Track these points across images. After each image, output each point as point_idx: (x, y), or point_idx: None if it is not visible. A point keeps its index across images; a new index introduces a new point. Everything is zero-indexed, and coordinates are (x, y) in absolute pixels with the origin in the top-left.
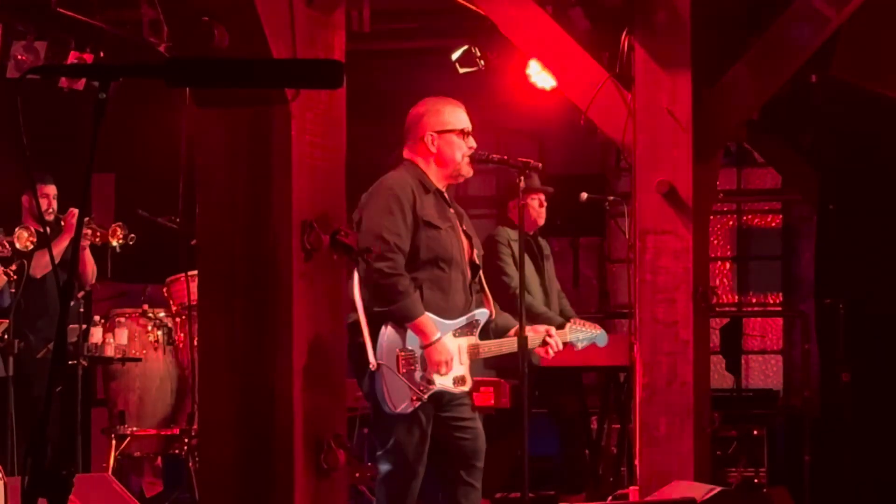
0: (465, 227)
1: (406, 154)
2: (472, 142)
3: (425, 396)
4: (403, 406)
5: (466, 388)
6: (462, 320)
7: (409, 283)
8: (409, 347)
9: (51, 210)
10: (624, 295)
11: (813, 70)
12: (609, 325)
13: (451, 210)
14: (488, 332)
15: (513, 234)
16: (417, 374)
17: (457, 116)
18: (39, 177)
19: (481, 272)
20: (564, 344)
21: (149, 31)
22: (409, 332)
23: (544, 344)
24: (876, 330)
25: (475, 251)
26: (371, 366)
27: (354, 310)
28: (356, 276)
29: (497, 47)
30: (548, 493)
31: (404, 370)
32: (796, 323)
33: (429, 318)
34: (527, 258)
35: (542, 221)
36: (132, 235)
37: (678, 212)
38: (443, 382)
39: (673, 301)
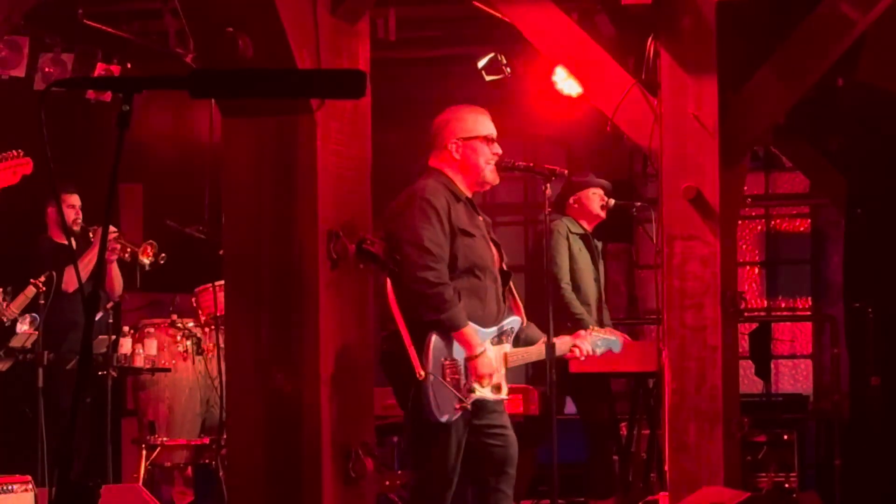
0: (492, 236)
1: (432, 162)
2: (497, 148)
3: (468, 405)
4: (448, 415)
5: (503, 395)
6: (496, 329)
7: (453, 292)
8: (454, 357)
9: (77, 220)
10: (652, 300)
11: (839, 73)
12: (638, 331)
13: (480, 218)
14: (518, 341)
15: (573, 227)
16: (461, 383)
17: (481, 123)
18: (62, 187)
19: (511, 281)
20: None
21: (175, 42)
22: (454, 341)
23: (571, 349)
24: None
25: (503, 259)
26: (419, 375)
27: (390, 320)
28: (389, 285)
29: (523, 54)
30: (577, 500)
31: (449, 379)
32: (826, 327)
33: (472, 329)
34: (585, 252)
35: (604, 215)
36: (163, 255)
37: (705, 217)
38: (482, 391)
39: (701, 306)
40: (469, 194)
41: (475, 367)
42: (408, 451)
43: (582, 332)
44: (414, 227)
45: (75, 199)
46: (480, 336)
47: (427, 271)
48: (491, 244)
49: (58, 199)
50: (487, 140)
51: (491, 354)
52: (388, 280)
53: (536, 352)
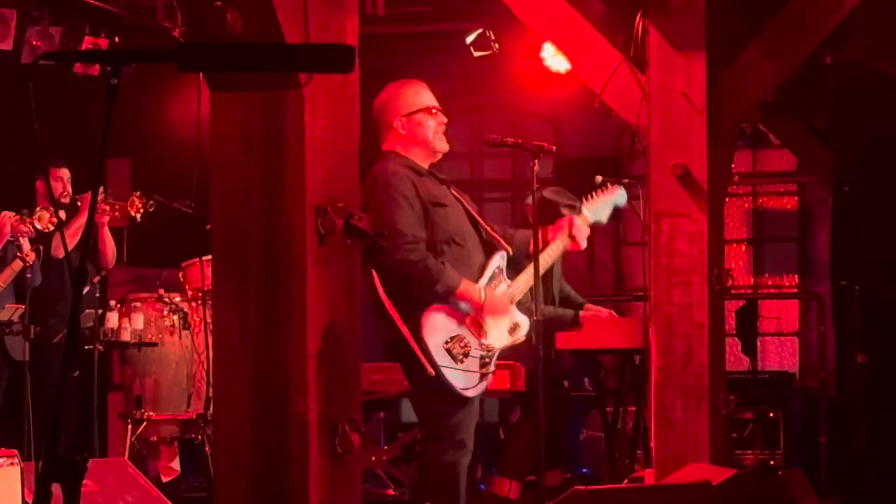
0: (454, 192)
1: (384, 146)
2: (442, 117)
3: (492, 367)
4: (475, 388)
5: (523, 333)
6: (488, 273)
7: (436, 260)
8: (455, 332)
9: (66, 193)
10: (639, 278)
11: (828, 51)
12: (624, 308)
13: (444, 186)
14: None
15: None
16: (476, 351)
17: (420, 95)
18: (52, 161)
19: (484, 224)
20: (591, 225)
21: (163, 15)
22: (445, 320)
23: (572, 239)
24: (892, 312)
25: (469, 206)
26: (429, 374)
27: (387, 313)
28: (377, 280)
29: (511, 30)
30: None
31: (460, 355)
32: (812, 305)
33: (466, 282)
34: None
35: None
36: (151, 202)
37: (693, 194)
38: (500, 339)
39: (688, 284)
40: (426, 167)
41: (488, 313)
42: (423, 424)
43: (574, 218)
44: (384, 215)
45: (64, 172)
46: (476, 288)
47: (405, 253)
48: (459, 205)
49: (46, 172)
50: (429, 111)
51: (495, 294)
52: (375, 273)
53: (528, 276)
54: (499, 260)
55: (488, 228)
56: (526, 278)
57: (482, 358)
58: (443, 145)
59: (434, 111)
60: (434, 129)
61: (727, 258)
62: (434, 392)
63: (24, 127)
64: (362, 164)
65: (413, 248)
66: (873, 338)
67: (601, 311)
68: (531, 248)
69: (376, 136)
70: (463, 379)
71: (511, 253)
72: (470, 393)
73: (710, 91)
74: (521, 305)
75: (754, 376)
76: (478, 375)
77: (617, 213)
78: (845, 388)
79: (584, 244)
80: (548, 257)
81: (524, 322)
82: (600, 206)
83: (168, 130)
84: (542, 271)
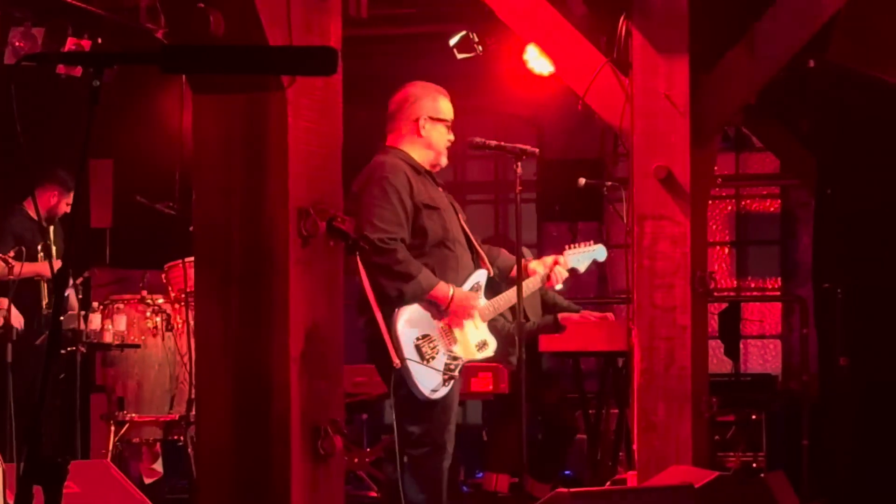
0: (451, 200)
1: (391, 140)
2: (451, 135)
3: (457, 374)
4: (437, 390)
5: (490, 351)
6: (468, 284)
7: (416, 260)
8: (426, 332)
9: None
10: (622, 280)
11: (811, 55)
12: (607, 311)
13: (440, 189)
14: (492, 285)
15: None
16: (442, 356)
17: (446, 107)
18: (67, 183)
19: (473, 238)
20: (569, 271)
21: (146, 17)
22: (421, 318)
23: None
24: (874, 314)
25: (463, 219)
26: (395, 364)
27: (368, 305)
28: (362, 269)
29: (495, 33)
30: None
31: (428, 356)
32: (795, 307)
33: (443, 283)
34: None
35: None
36: None
37: (676, 197)
38: (468, 352)
39: (671, 286)
40: (427, 167)
41: (456, 312)
42: (399, 430)
43: (559, 257)
44: (370, 206)
45: (71, 198)
46: (446, 286)
47: (383, 248)
48: (452, 210)
49: (33, 193)
50: (448, 125)
51: (464, 293)
52: (361, 264)
53: (506, 299)
54: (480, 276)
55: (476, 244)
56: (502, 301)
57: (447, 365)
58: (445, 160)
59: (451, 127)
60: (447, 143)
61: (710, 261)
62: (408, 397)
63: (8, 128)
64: (345, 166)
65: (391, 244)
66: (855, 340)
67: (591, 314)
68: (513, 272)
69: (382, 127)
70: (427, 378)
71: (492, 273)
72: (434, 395)
73: (693, 94)
74: (492, 324)
75: (737, 379)
76: (441, 378)
77: (599, 214)
78: (828, 391)
79: (558, 285)
80: (524, 288)
81: (492, 342)
82: (581, 256)
83: (151, 132)
84: (495, 312)
